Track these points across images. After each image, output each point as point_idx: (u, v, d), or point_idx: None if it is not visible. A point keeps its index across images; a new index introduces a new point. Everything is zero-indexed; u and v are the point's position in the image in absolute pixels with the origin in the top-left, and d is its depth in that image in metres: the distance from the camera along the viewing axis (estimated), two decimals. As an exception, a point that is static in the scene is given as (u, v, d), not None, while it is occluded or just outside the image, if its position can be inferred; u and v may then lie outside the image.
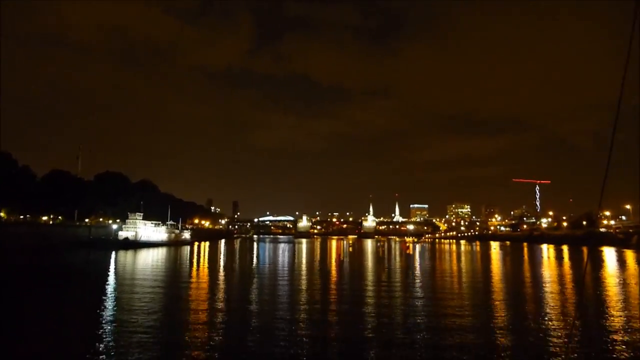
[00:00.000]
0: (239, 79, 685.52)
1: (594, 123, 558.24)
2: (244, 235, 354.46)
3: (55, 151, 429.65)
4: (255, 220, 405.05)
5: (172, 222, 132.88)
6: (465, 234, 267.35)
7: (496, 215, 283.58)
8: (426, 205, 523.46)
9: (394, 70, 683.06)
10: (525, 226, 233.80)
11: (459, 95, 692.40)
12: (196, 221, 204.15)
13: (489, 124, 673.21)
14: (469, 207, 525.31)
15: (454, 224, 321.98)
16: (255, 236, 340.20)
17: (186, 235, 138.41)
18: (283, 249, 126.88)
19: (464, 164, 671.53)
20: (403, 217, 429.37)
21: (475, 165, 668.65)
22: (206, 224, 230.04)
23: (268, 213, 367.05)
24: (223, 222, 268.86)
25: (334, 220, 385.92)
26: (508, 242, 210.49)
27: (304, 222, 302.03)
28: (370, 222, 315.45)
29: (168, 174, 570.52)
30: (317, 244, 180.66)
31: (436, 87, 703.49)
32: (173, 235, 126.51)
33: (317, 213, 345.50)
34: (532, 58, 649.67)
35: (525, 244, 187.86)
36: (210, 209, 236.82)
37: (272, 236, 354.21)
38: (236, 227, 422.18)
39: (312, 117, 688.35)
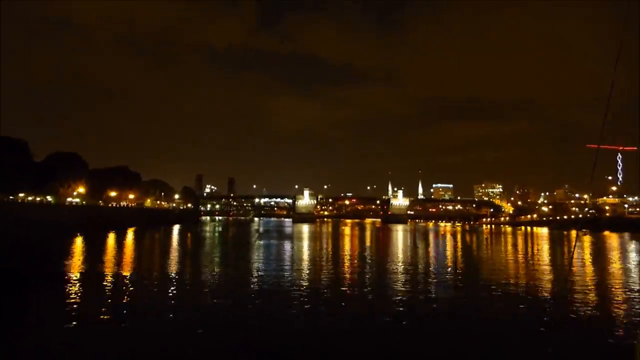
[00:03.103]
0: (243, 59, 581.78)
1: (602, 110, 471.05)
2: (242, 218, 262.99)
3: (57, 135, 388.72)
4: (257, 200, 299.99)
5: None
6: (550, 218, 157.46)
7: (612, 187, 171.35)
8: (451, 185, 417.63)
9: (401, 51, 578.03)
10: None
11: (465, 79, 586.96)
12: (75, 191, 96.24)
13: (497, 110, 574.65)
14: (500, 186, 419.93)
15: (519, 203, 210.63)
16: (256, 219, 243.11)
17: None
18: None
19: (477, 148, 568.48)
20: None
21: (488, 148, 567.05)
22: (132, 197, 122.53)
23: (256, 188, 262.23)
24: (177, 197, 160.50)
25: (347, 201, 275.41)
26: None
27: (305, 200, 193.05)
28: (400, 200, 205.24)
29: (165, 154, 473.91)
30: (326, 238, 75.68)
31: (443, 69, 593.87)
32: None
33: (326, 187, 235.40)
34: (541, 44, 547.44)
35: None
36: (136, 176, 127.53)
37: (275, 218, 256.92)
38: (233, 208, 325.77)
39: (319, 99, 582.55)
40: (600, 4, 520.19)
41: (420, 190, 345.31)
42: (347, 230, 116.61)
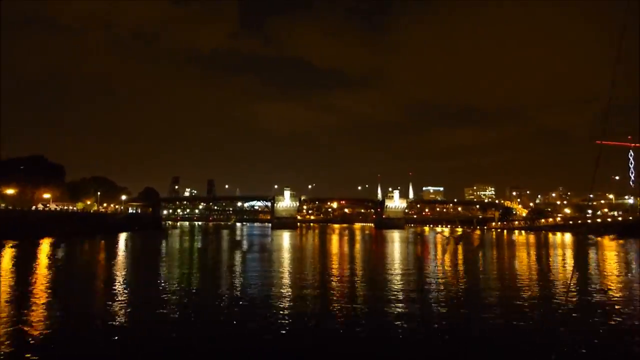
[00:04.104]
0: (228, 62, 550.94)
1: (589, 115, 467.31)
2: (223, 223, 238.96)
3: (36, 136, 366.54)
4: (239, 204, 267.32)
5: None
6: (579, 222, 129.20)
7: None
8: (441, 188, 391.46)
9: (387, 55, 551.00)
10: None
11: (450, 85, 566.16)
12: None
13: (485, 116, 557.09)
14: (493, 189, 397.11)
15: (531, 204, 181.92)
16: (238, 224, 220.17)
17: None
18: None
19: (466, 153, 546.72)
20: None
21: (477, 154, 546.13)
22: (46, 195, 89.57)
23: (228, 188, 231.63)
24: (124, 198, 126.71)
25: (334, 203, 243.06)
26: None
27: (286, 202, 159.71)
28: (397, 202, 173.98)
29: (146, 158, 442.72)
30: (309, 261, 44.76)
31: (430, 74, 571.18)
32: None
33: (310, 186, 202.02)
34: (526, 50, 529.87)
35: None
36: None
37: (258, 224, 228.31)
38: (214, 212, 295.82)
39: (305, 103, 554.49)
40: (589, 9, 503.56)
41: (411, 193, 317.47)
42: (334, 239, 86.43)
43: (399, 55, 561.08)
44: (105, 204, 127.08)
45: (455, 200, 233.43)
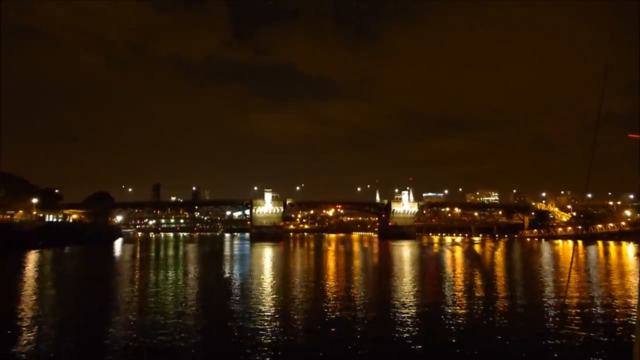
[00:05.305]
0: (218, 72, 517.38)
1: (577, 124, 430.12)
2: (209, 234, 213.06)
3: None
4: (228, 212, 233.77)
5: None
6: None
7: None
8: (442, 194, 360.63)
9: (378, 64, 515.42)
10: None
11: (444, 93, 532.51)
12: None
13: (476, 125, 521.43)
14: (497, 194, 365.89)
15: (569, 207, 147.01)
16: (227, 235, 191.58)
17: None
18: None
19: (462, 160, 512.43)
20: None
21: (473, 160, 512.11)
22: None
23: (195, 190, 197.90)
24: (35, 200, 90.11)
25: (330, 210, 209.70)
26: None
27: (266, 207, 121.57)
28: (407, 205, 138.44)
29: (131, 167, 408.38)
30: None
31: (421, 83, 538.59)
32: None
33: (298, 188, 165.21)
34: (523, 51, 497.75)
35: None
36: None
37: (248, 234, 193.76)
38: (200, 221, 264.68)
39: (296, 112, 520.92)
40: (589, 9, 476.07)
41: (412, 198, 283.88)
42: (330, 257, 52.30)
43: (390, 62, 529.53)
44: (22, 211, 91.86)
45: (474, 203, 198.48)
